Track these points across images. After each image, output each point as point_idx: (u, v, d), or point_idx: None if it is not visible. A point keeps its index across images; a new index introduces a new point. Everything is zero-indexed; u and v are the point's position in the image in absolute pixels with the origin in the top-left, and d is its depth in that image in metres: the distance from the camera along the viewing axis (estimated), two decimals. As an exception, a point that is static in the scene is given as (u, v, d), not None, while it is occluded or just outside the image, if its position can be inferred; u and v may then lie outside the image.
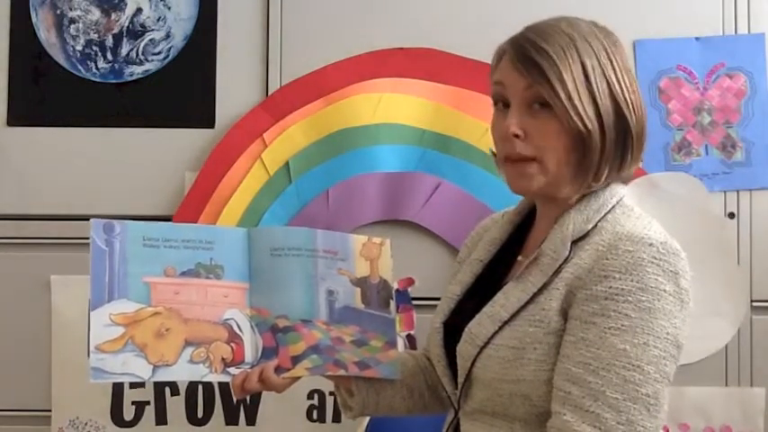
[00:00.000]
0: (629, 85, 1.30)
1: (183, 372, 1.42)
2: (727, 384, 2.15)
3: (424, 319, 2.07)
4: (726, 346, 2.14)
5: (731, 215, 2.16)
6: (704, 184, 2.15)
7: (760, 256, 2.15)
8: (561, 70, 1.27)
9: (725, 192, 2.17)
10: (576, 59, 1.28)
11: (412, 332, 2.15)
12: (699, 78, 2.18)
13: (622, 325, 1.21)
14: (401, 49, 2.20)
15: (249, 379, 1.43)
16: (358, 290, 1.51)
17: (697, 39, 2.18)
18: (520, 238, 1.45)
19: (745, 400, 2.14)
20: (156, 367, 1.40)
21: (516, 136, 1.29)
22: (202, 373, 1.43)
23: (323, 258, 1.49)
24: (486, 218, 1.58)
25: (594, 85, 1.27)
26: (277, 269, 1.47)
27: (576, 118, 1.26)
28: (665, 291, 1.22)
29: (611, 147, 1.29)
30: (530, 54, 1.28)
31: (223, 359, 1.43)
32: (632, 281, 1.22)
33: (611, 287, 1.22)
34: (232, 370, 1.43)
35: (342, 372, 1.46)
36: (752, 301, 2.15)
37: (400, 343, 2.09)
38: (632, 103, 1.30)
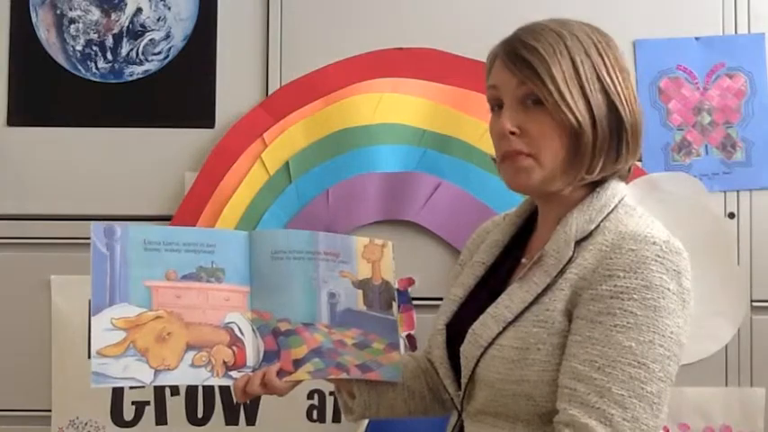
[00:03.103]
0: (621, 80, 1.31)
1: (184, 376, 1.42)
2: (727, 384, 2.15)
3: (425, 319, 2.07)
4: (726, 346, 2.14)
5: (731, 215, 2.16)
6: (704, 184, 2.15)
7: (760, 256, 2.15)
8: (551, 66, 1.28)
9: (725, 192, 2.17)
10: (566, 55, 1.29)
11: (412, 332, 2.15)
12: (699, 78, 2.18)
13: (628, 323, 1.22)
14: (401, 49, 2.20)
15: (251, 382, 1.42)
16: (360, 292, 1.51)
17: (697, 39, 2.18)
18: (522, 240, 1.45)
19: (745, 400, 2.14)
20: (157, 371, 1.39)
21: (512, 133, 1.31)
22: (204, 377, 1.42)
23: (324, 261, 1.49)
24: (486, 220, 1.58)
25: (585, 80, 1.29)
26: (278, 272, 1.47)
27: (567, 113, 1.28)
28: (668, 289, 1.23)
29: (603, 140, 1.30)
30: (520, 52, 1.30)
31: (225, 363, 1.43)
32: (637, 279, 1.22)
33: (615, 285, 1.23)
34: (234, 374, 1.43)
35: (344, 375, 1.46)
36: (752, 301, 2.15)
37: (400, 343, 2.08)
38: (625, 97, 1.31)
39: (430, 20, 2.20)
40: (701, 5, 2.19)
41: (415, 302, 2.16)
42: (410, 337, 2.15)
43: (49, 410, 2.19)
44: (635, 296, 1.22)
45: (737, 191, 2.17)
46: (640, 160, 2.14)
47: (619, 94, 1.30)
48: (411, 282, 2.16)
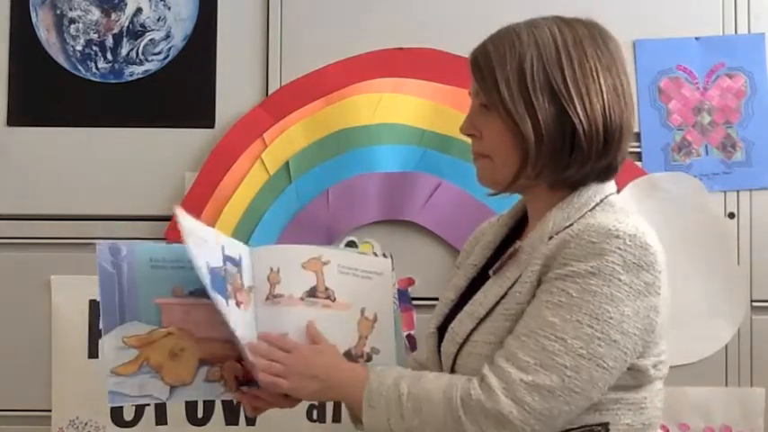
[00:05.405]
0: (583, 82, 1.29)
1: (200, 391, 1.42)
2: (727, 384, 2.15)
3: (425, 319, 2.07)
4: (726, 346, 2.14)
5: (731, 215, 2.16)
6: (704, 184, 2.15)
7: (760, 256, 2.15)
8: (497, 72, 1.30)
9: (725, 192, 2.17)
10: (516, 59, 1.30)
11: (412, 332, 2.15)
12: (699, 78, 2.18)
13: (560, 300, 1.24)
14: (401, 49, 2.20)
15: (256, 397, 1.45)
16: None
17: (697, 39, 2.18)
18: (514, 240, 1.45)
19: (745, 400, 2.14)
20: (173, 388, 1.39)
21: (471, 135, 1.36)
22: (219, 392, 1.43)
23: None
24: (483, 221, 1.59)
25: (531, 85, 1.29)
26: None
27: (509, 119, 1.30)
28: (619, 279, 1.24)
29: (550, 146, 1.30)
30: (475, 58, 1.35)
31: (236, 377, 1.43)
32: (585, 266, 1.24)
33: (563, 270, 1.25)
34: (245, 388, 1.44)
35: None
36: (752, 301, 2.15)
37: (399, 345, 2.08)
38: (582, 102, 1.29)
39: (430, 20, 2.20)
40: (701, 5, 2.18)
41: (414, 302, 2.16)
42: (410, 337, 2.15)
43: (49, 410, 2.19)
44: (577, 280, 1.24)
45: (737, 191, 2.17)
46: (640, 160, 2.14)
47: (571, 99, 1.28)
48: (411, 282, 2.16)
